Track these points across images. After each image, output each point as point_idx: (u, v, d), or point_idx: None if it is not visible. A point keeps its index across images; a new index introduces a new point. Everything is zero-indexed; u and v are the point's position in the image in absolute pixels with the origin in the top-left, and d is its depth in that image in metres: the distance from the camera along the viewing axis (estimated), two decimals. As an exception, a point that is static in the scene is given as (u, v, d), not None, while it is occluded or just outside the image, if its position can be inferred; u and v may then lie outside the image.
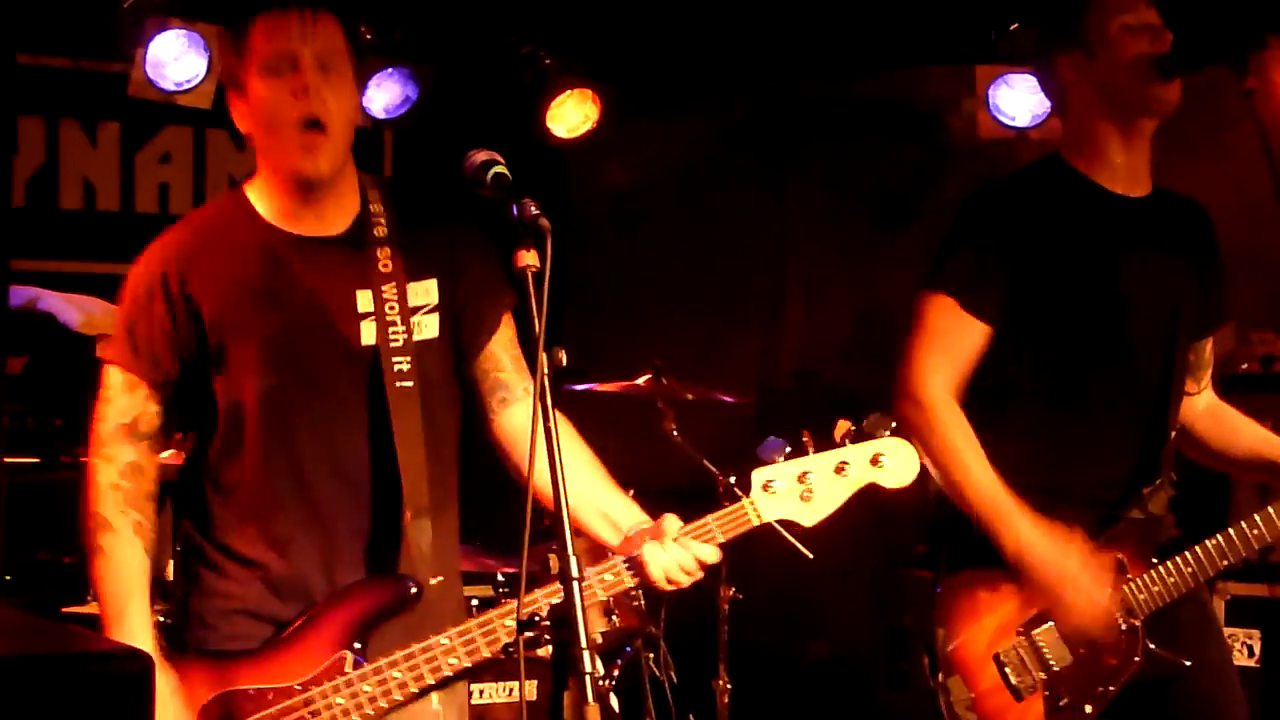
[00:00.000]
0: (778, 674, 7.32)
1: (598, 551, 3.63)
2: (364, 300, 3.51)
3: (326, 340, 3.50)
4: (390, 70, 7.05)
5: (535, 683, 5.63)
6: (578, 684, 2.75)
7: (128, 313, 3.54)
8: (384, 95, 7.14)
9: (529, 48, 7.08)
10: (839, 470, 3.55)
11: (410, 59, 7.07)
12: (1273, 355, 6.49)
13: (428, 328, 3.55)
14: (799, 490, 3.53)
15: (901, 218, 7.53)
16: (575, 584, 2.81)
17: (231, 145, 7.91)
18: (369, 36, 6.73)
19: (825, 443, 3.60)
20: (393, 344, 3.49)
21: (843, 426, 3.58)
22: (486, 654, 3.43)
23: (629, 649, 6.42)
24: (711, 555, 3.51)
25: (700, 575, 3.51)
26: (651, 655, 6.48)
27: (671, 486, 6.77)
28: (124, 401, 3.54)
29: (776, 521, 3.56)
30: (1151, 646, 4.09)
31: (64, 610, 6.10)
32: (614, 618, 5.87)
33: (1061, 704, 4.07)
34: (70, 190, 7.70)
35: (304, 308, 3.50)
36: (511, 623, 3.39)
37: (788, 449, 3.56)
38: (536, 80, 7.17)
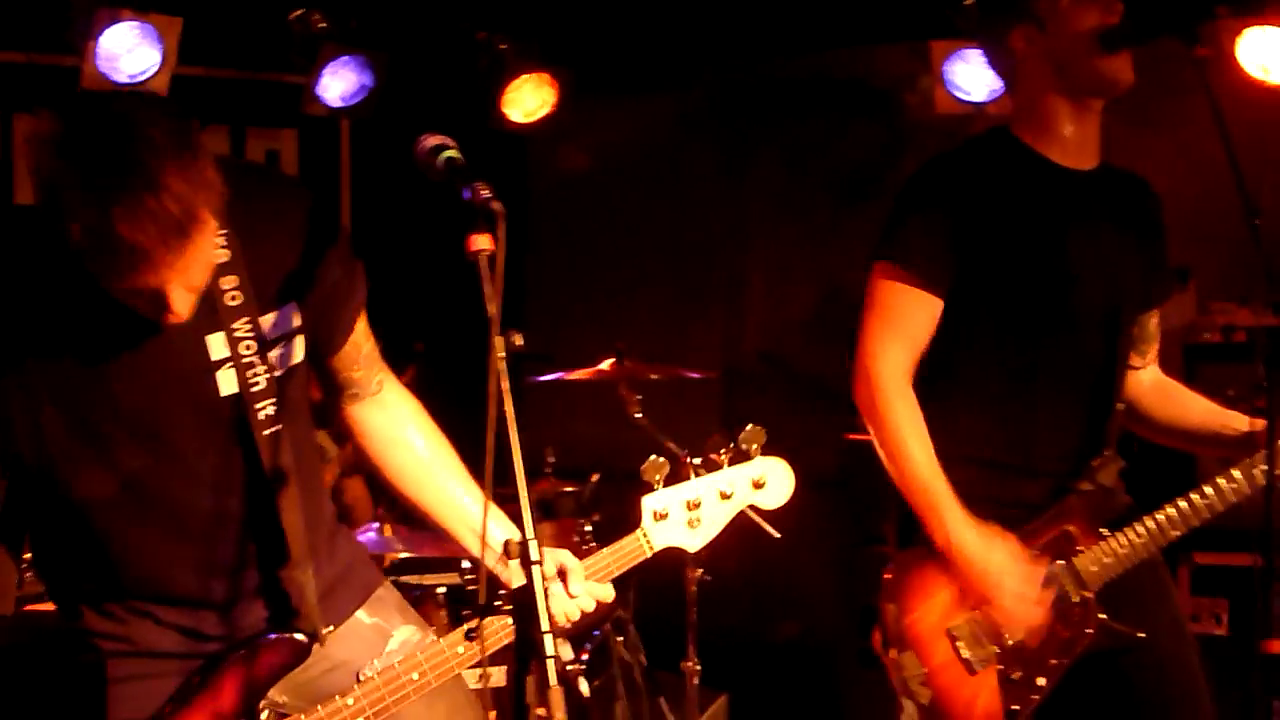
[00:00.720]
0: (747, 655, 7.32)
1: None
2: (216, 345, 3.23)
3: (184, 402, 3.22)
4: (346, 59, 7.03)
5: (504, 668, 5.64)
6: (540, 668, 2.75)
7: None
8: (340, 84, 7.11)
9: (484, 34, 7.06)
10: (724, 496, 3.66)
11: (366, 47, 7.04)
12: (1233, 325, 6.52)
13: (294, 354, 3.34)
14: (688, 517, 3.63)
15: (861, 196, 7.53)
16: (536, 567, 2.80)
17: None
18: (323, 25, 6.72)
19: (703, 463, 3.68)
20: (253, 388, 3.24)
21: (718, 442, 3.69)
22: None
23: (598, 633, 6.43)
24: (609, 596, 3.54)
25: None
26: (621, 639, 6.50)
27: (638, 470, 6.80)
28: None
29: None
30: (1104, 618, 4.10)
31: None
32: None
33: (1015, 677, 4.08)
34: (26, 185, 7.64)
35: (151, 372, 3.18)
36: (462, 651, 3.37)
37: (666, 469, 3.62)
38: (492, 66, 7.15)
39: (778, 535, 4.48)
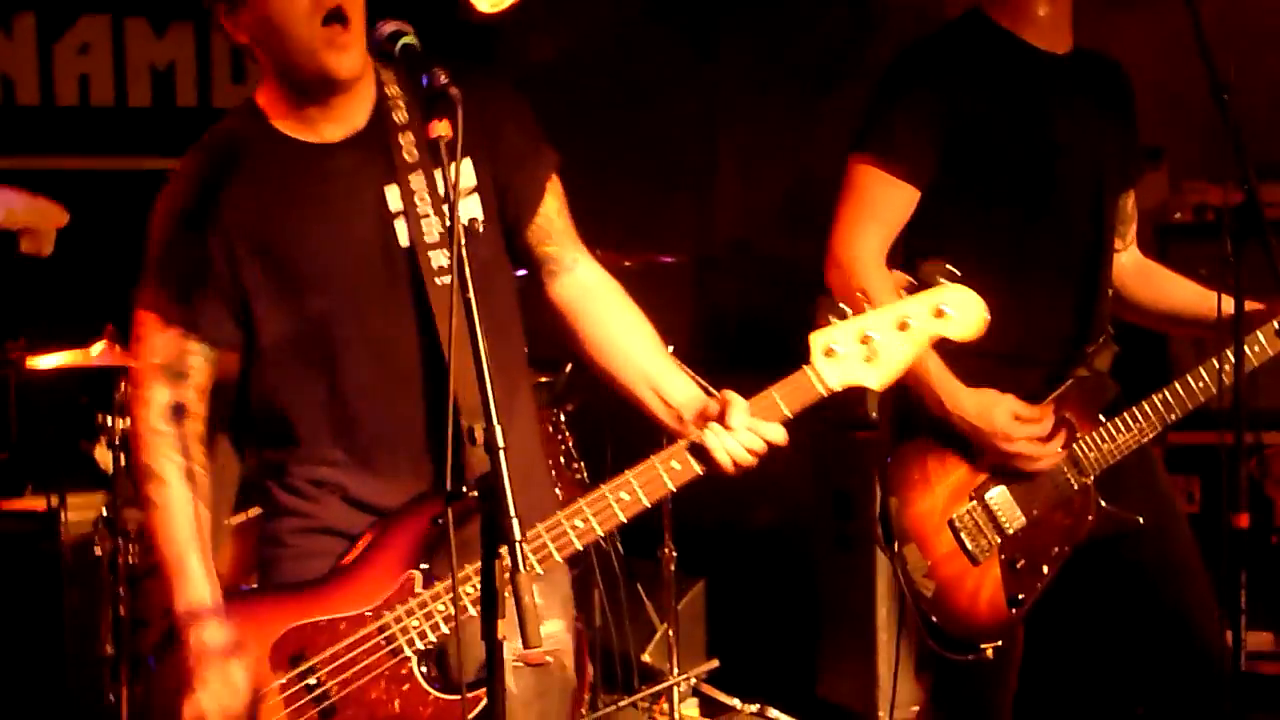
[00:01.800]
0: (723, 541, 7.36)
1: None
2: (393, 197, 3.33)
3: (363, 248, 3.32)
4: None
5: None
6: (509, 553, 2.75)
7: (153, 252, 3.37)
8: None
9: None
10: (902, 327, 3.32)
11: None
12: (1205, 204, 6.52)
13: (467, 210, 3.35)
14: (863, 352, 3.30)
15: (831, 79, 7.49)
16: (501, 453, 2.80)
17: (152, 33, 7.80)
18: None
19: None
20: (427, 239, 3.31)
21: (899, 279, 3.37)
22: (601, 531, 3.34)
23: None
24: (779, 436, 3.32)
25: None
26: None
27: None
28: (157, 341, 3.37)
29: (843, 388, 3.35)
30: (1104, 504, 4.12)
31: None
32: (557, 491, 5.88)
33: (1018, 566, 4.11)
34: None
35: (336, 219, 3.32)
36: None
37: (846, 309, 3.33)
38: (457, -46, 7.07)
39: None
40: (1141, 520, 4.14)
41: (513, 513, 2.76)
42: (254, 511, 3.56)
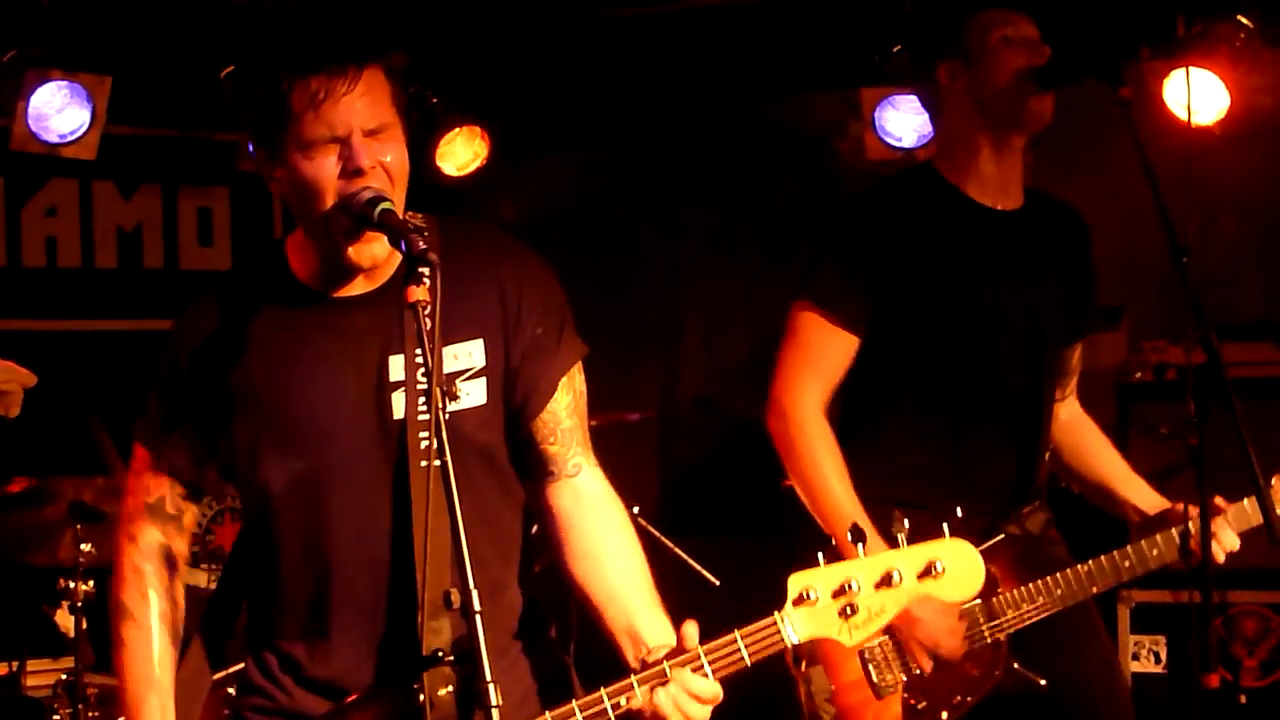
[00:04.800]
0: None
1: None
2: (396, 366, 3.19)
3: (356, 415, 3.20)
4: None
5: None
6: (484, 718, 2.74)
7: (156, 390, 3.34)
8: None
9: (415, 87, 7.06)
10: (885, 581, 3.04)
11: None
12: (1165, 363, 6.57)
13: (471, 394, 3.22)
14: (837, 605, 3.04)
15: (793, 244, 7.54)
16: (477, 617, 2.79)
17: (119, 196, 7.84)
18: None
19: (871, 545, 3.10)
20: (420, 417, 3.16)
21: (900, 521, 3.09)
22: None
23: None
24: (709, 692, 3.07)
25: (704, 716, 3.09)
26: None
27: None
28: (149, 480, 3.35)
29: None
30: (1015, 665, 4.12)
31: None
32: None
33: (919, 707, 4.09)
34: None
35: (334, 380, 3.21)
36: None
37: (819, 555, 3.08)
38: (424, 119, 7.16)
39: (716, 582, 4.48)
40: (1045, 684, 4.13)
41: (489, 677, 2.74)
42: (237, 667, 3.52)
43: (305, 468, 3.22)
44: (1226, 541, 4.15)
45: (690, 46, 7.30)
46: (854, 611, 3.03)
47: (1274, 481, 4.20)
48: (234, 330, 3.26)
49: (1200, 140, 6.46)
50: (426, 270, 2.89)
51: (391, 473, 3.19)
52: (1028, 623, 4.12)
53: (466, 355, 3.22)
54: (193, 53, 6.86)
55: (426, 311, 2.89)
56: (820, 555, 3.05)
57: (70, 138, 6.60)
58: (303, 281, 3.28)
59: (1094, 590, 4.19)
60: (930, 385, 4.18)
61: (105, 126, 6.69)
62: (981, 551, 4.03)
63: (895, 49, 6.59)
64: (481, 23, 7.24)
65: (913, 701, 4.09)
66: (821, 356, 4.14)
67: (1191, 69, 6.26)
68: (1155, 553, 4.15)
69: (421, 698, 3.01)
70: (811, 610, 3.04)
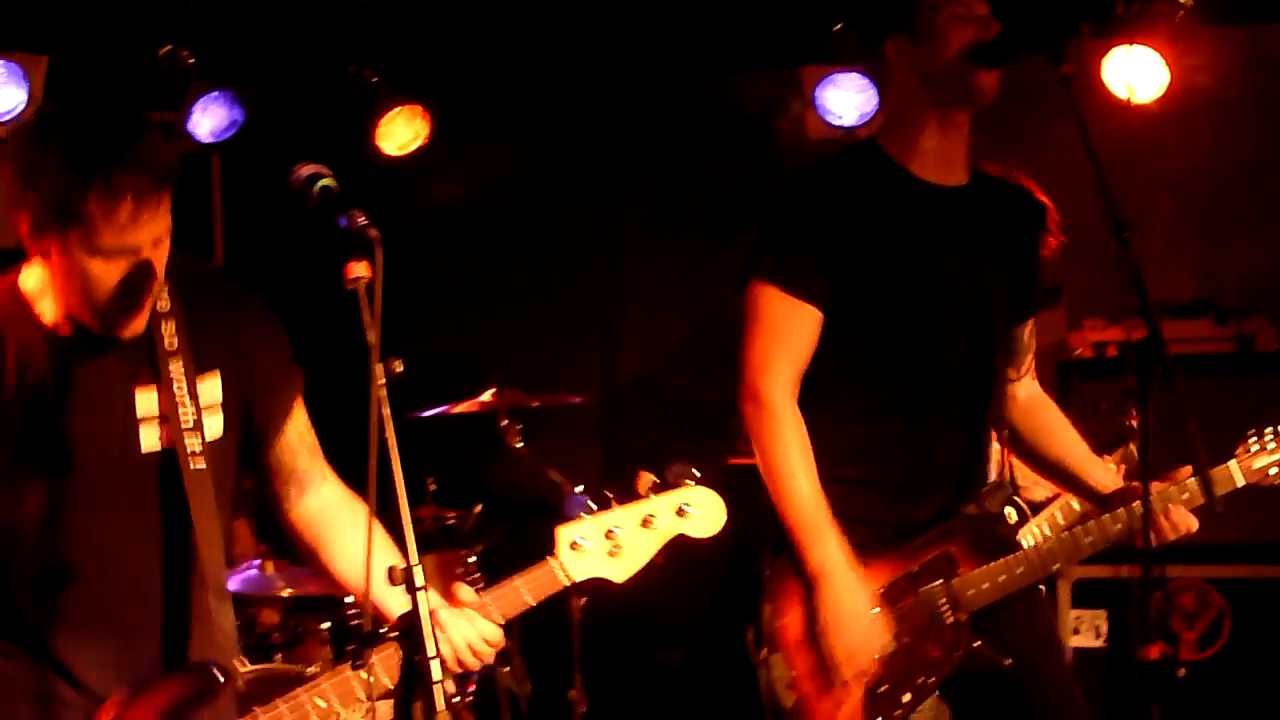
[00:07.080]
0: (633, 683, 7.32)
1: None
2: (144, 403, 3.32)
3: (104, 449, 3.31)
4: (215, 94, 6.96)
5: (391, 703, 5.59)
6: (426, 694, 2.73)
7: None
8: (210, 120, 7.03)
9: (355, 66, 7.03)
10: (645, 523, 3.61)
11: (235, 82, 6.98)
12: (1105, 341, 6.62)
13: (211, 428, 3.38)
14: (606, 546, 3.57)
15: (734, 224, 7.55)
16: (421, 594, 2.79)
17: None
18: (192, 61, 6.68)
19: (629, 497, 3.64)
20: (189, 443, 3.32)
21: (646, 479, 3.65)
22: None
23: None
24: (494, 634, 3.48)
25: (489, 655, 3.51)
26: (507, 668, 6.47)
27: (527, 499, 6.79)
28: None
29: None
30: (976, 644, 4.12)
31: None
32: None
33: (880, 690, 4.08)
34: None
35: (80, 416, 3.29)
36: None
37: (593, 505, 3.60)
38: (365, 99, 7.13)
39: (658, 560, 4.45)
40: (1009, 662, 4.14)
41: (433, 653, 2.75)
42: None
43: (54, 497, 3.28)
44: (1183, 522, 4.18)
45: (632, 26, 7.29)
46: (620, 550, 3.58)
47: (1237, 452, 4.24)
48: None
49: (1140, 118, 6.52)
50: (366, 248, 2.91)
51: (148, 496, 3.33)
52: (990, 601, 4.12)
53: (207, 391, 3.39)
54: (129, 32, 6.81)
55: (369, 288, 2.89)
56: (581, 513, 3.58)
57: (6, 117, 6.53)
58: (49, 326, 3.31)
59: (1054, 567, 4.20)
60: (878, 363, 4.17)
61: (42, 106, 6.63)
62: (939, 530, 4.10)
63: (836, 28, 6.60)
64: (422, 2, 7.20)
65: (874, 685, 4.09)
66: (789, 334, 4.11)
67: (1132, 47, 6.30)
68: (1118, 527, 4.16)
69: (365, 674, 3.07)
70: (582, 554, 3.55)
